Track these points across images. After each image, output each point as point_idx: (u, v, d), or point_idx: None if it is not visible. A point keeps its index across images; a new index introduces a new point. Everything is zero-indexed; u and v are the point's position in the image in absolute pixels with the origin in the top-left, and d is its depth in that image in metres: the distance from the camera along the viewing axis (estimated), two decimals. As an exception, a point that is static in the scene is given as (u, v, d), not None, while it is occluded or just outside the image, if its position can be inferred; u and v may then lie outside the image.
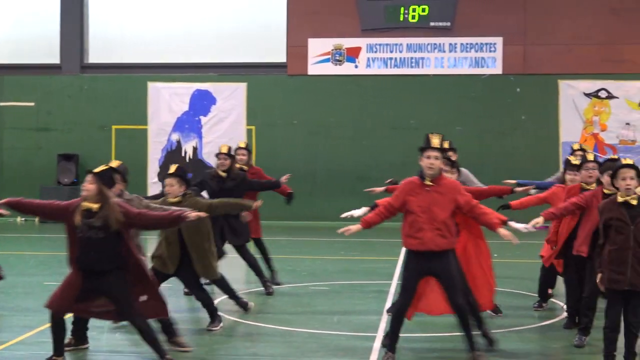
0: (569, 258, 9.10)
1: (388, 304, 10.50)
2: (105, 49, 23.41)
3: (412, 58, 22.23)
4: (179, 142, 22.83)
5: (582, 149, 11.30)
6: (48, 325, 7.61)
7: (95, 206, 7.38)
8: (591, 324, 8.72)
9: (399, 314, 7.86)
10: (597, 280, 7.50)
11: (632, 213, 7.30)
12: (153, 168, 22.61)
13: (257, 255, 12.25)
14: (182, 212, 7.57)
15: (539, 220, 8.54)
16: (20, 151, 23.16)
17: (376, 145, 22.03)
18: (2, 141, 23.29)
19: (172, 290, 9.72)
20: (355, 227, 7.81)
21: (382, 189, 10.67)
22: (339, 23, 22.28)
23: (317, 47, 22.39)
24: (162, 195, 9.54)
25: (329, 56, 22.38)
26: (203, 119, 22.80)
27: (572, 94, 21.81)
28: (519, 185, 11.74)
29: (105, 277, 7.40)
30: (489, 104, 22.04)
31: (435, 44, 22.13)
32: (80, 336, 8.44)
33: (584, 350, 8.54)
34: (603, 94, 21.77)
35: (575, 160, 10.13)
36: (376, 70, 22.31)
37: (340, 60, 22.36)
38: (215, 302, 10.80)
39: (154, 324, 7.94)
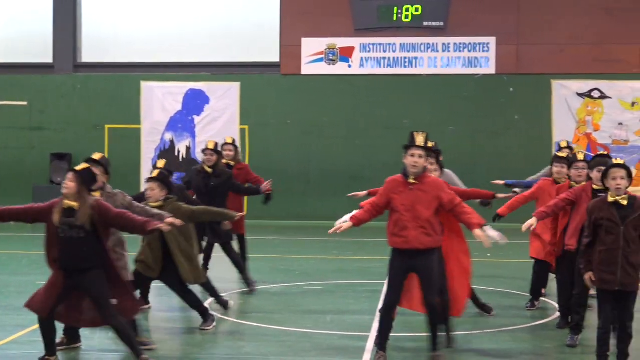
0: (562, 256, 9.13)
1: (381, 303, 10.50)
2: (98, 48, 23.37)
3: (405, 58, 22.24)
4: (172, 142, 22.81)
5: (569, 147, 11.38)
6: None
7: (76, 204, 7.37)
8: (582, 321, 8.75)
9: (386, 312, 7.86)
10: (585, 279, 7.51)
11: (622, 213, 7.31)
12: (146, 167, 22.55)
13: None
14: (157, 223, 7.50)
15: (532, 222, 8.56)
16: (13, 150, 23.11)
17: (369, 145, 22.03)
18: (-5, 140, 23.26)
19: (164, 290, 9.70)
20: (346, 224, 7.85)
21: (364, 193, 10.66)
22: (332, 23, 22.28)
23: (311, 46, 22.39)
24: (143, 195, 9.44)
25: (322, 56, 22.38)
26: (196, 119, 22.79)
27: (565, 94, 21.85)
28: (506, 185, 11.84)
29: (86, 274, 7.39)
30: (482, 103, 22.06)
31: (428, 43, 22.15)
32: (73, 335, 8.43)
33: (577, 350, 8.56)
34: (596, 94, 21.81)
35: (562, 153, 10.25)
36: (369, 70, 22.32)
37: (334, 60, 22.37)
38: (210, 300, 10.83)
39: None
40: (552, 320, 9.90)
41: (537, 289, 10.69)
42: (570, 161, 9.58)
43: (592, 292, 8.26)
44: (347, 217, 8.06)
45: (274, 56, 22.72)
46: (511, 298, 11.51)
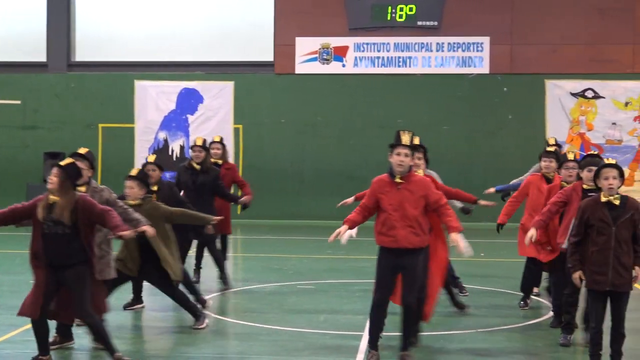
0: (556, 256, 9.16)
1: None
2: (92, 46, 23.34)
3: (399, 57, 22.25)
4: (166, 141, 22.79)
5: (557, 144, 11.43)
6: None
7: (59, 200, 7.37)
8: (573, 320, 8.76)
9: (375, 311, 7.84)
10: (574, 278, 7.51)
11: (614, 214, 7.32)
12: (140, 166, 22.53)
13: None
14: (124, 229, 7.44)
15: (532, 232, 8.57)
16: (6, 149, 23.07)
17: (364, 144, 22.03)
18: (-12, 139, 23.22)
19: (157, 289, 9.67)
20: (342, 228, 7.81)
21: (351, 199, 10.63)
22: (327, 22, 22.28)
23: (305, 46, 22.39)
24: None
25: (317, 55, 22.38)
26: (190, 118, 22.77)
27: (558, 93, 21.88)
28: (497, 192, 11.96)
29: (70, 270, 7.39)
30: (476, 103, 22.08)
31: (422, 43, 22.16)
32: (65, 333, 8.42)
33: (570, 349, 8.57)
34: (589, 93, 21.84)
35: (550, 148, 10.34)
36: (363, 69, 22.33)
37: (328, 59, 22.37)
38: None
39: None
40: (545, 320, 9.92)
41: (527, 286, 10.70)
42: (561, 161, 9.63)
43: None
44: (346, 233, 8.07)
45: (268, 55, 22.72)
46: (504, 297, 11.52)
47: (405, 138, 7.70)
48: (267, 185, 22.10)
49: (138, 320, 10.03)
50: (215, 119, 22.61)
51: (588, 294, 7.54)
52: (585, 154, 9.83)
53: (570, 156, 9.45)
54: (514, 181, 11.99)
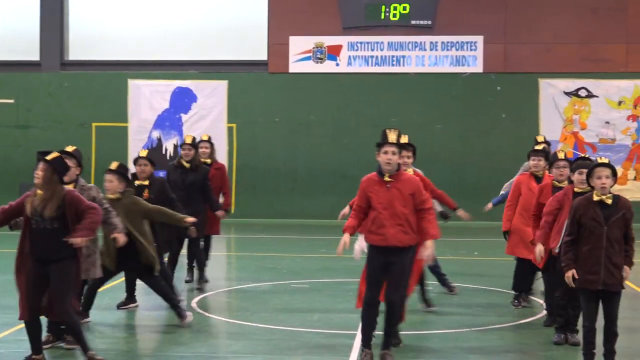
0: (549, 255, 9.16)
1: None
2: (85, 46, 23.31)
3: (393, 56, 22.26)
4: (159, 140, 22.77)
5: (546, 142, 11.42)
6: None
7: (45, 194, 7.35)
8: (566, 323, 8.76)
9: (367, 309, 7.83)
10: (567, 277, 7.51)
11: (606, 213, 7.32)
12: (133, 166, 22.49)
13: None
14: (80, 234, 7.34)
15: (540, 248, 8.59)
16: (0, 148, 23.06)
17: (357, 143, 22.02)
18: (-19, 138, 23.16)
19: (151, 289, 9.65)
20: (345, 237, 7.71)
21: (347, 209, 10.46)
22: (320, 21, 22.28)
23: (298, 45, 22.38)
24: None
25: (310, 54, 22.38)
26: (184, 117, 22.75)
27: (552, 92, 21.92)
28: (495, 205, 11.98)
29: (55, 264, 7.38)
30: (470, 102, 22.10)
31: (416, 42, 22.17)
32: (57, 332, 8.40)
33: (563, 347, 8.58)
34: (583, 92, 21.88)
35: (538, 146, 10.35)
36: (357, 68, 22.33)
37: (322, 58, 22.37)
38: (197, 298, 10.82)
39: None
40: (539, 319, 9.93)
41: (519, 285, 10.70)
42: (551, 160, 9.63)
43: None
44: (356, 246, 8.02)
45: (261, 54, 22.71)
46: (498, 296, 11.53)
47: (392, 136, 7.68)
48: (260, 184, 22.11)
49: (131, 320, 10.02)
50: (209, 118, 22.60)
51: (580, 293, 7.54)
52: (578, 153, 9.83)
53: (561, 155, 9.44)
54: (505, 188, 11.90)
